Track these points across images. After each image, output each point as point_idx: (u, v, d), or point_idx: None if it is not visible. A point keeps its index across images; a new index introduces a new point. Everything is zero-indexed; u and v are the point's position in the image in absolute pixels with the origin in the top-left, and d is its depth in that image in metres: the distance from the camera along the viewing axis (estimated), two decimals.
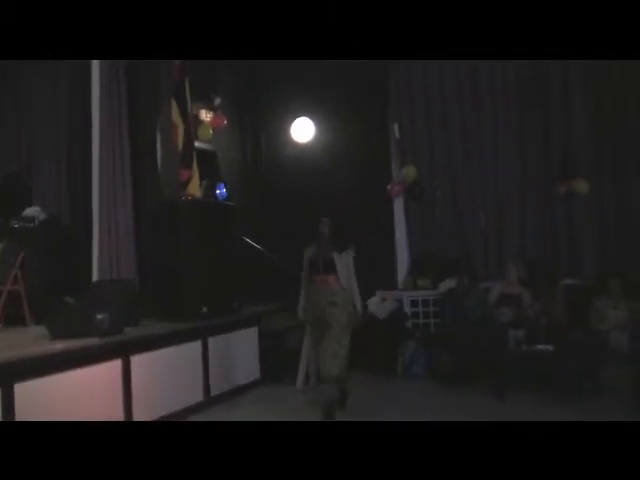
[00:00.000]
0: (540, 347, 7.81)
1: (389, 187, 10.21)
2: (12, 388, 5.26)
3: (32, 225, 8.75)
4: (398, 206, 10.37)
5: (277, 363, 8.91)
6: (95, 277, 8.63)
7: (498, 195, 9.86)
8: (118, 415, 6.45)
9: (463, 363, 8.39)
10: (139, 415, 6.64)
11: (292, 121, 10.95)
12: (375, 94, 10.28)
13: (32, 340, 6.73)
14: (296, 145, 10.95)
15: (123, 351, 6.63)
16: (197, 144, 9.30)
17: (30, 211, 8.90)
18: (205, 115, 10.30)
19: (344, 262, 7.00)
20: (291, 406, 7.82)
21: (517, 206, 9.77)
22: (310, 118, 10.85)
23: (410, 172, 10.03)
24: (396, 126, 10.38)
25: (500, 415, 6.83)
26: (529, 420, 6.38)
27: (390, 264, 10.37)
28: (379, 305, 9.60)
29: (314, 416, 7.09)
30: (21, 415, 5.27)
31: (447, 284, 9.40)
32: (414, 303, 9.63)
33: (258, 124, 11.55)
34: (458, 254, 9.83)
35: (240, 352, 8.55)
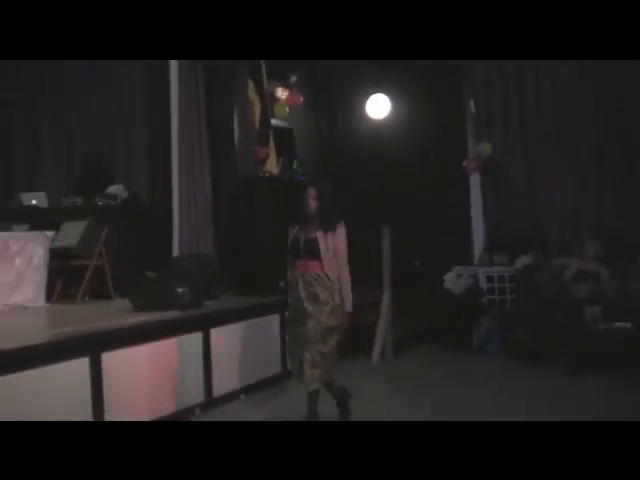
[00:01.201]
0: (618, 325, 7.67)
1: (465, 163, 10.17)
2: (99, 357, 5.49)
3: (115, 202, 9.01)
4: (474, 182, 10.32)
5: (353, 337, 8.97)
6: (175, 252, 8.84)
7: (574, 170, 9.70)
8: (199, 385, 6.66)
9: (538, 340, 8.32)
10: (219, 386, 6.83)
11: (367, 98, 10.96)
12: (451, 70, 10.21)
13: (117, 312, 7.00)
14: (371, 121, 10.96)
15: (203, 324, 6.83)
16: (274, 122, 9.44)
17: (113, 189, 9.16)
18: (281, 93, 10.40)
19: (330, 243, 5.62)
20: (366, 380, 7.91)
21: (594, 181, 9.60)
22: (385, 94, 10.85)
23: (486, 148, 9.96)
24: (472, 102, 10.32)
25: (571, 395, 6.79)
26: (602, 402, 6.40)
27: (466, 240, 10.34)
28: (455, 281, 9.60)
29: (392, 391, 7.21)
30: (108, 383, 5.50)
31: (523, 260, 9.33)
32: (490, 279, 9.59)
33: (333, 101, 11.59)
34: (533, 230, 9.74)
35: None
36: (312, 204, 5.63)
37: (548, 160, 9.84)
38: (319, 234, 5.60)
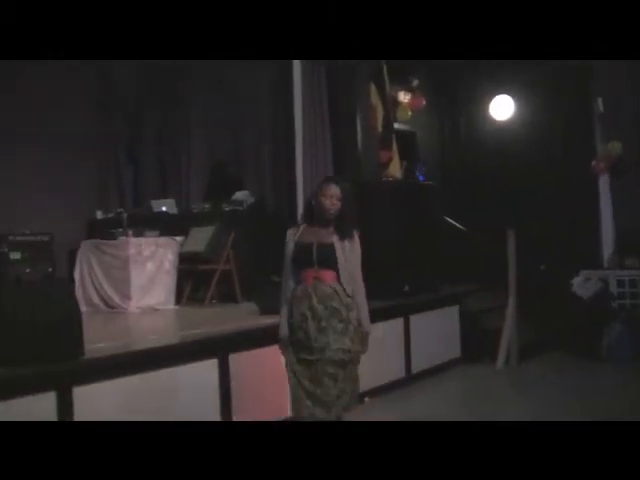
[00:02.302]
0: None
1: (593, 164, 9.89)
2: (227, 358, 5.65)
3: (241, 208, 9.22)
4: (603, 182, 10.01)
5: (477, 343, 8.89)
6: None
7: None
8: None
9: None
10: None
11: (490, 99, 10.81)
12: (576, 68, 9.96)
13: (243, 315, 7.17)
14: (495, 123, 10.81)
15: None
16: (396, 125, 9.44)
17: (239, 195, 9.38)
18: (403, 97, 10.41)
19: (347, 254, 4.67)
20: (490, 385, 7.82)
21: None
22: (509, 95, 10.67)
23: (615, 147, 9.64)
24: (599, 100, 10.01)
25: None
26: None
27: (595, 243, 10.05)
28: (583, 285, 9.34)
29: (516, 396, 7.08)
30: (236, 382, 5.65)
31: None
32: (621, 283, 9.27)
33: (456, 103, 11.51)
34: None
35: (441, 330, 8.61)
36: (335, 204, 4.63)
37: None
38: (335, 239, 4.65)
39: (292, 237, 4.71)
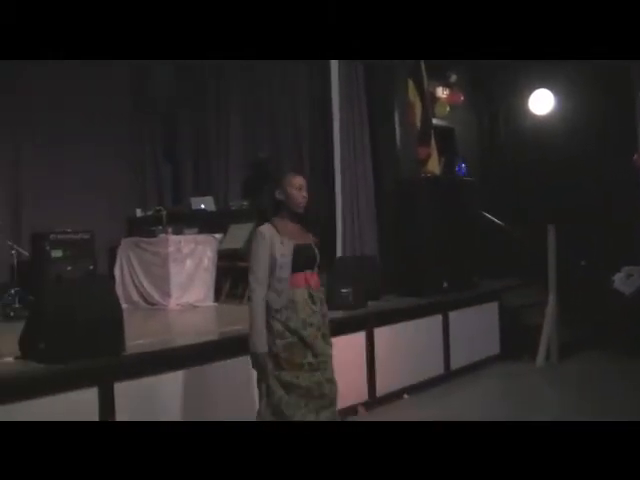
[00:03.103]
0: None
1: (635, 157, 9.75)
2: None
3: None
4: None
5: (516, 339, 8.82)
6: (339, 253, 8.94)
7: None
8: (362, 384, 6.72)
9: None
10: (380, 385, 6.87)
11: (529, 93, 10.71)
12: (617, 62, 9.82)
13: None
14: (535, 117, 10.71)
15: (367, 324, 6.90)
16: (434, 121, 9.40)
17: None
18: (442, 92, 10.36)
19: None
20: (530, 383, 7.75)
21: None
22: (548, 89, 10.56)
23: None
24: None
25: None
26: None
27: (637, 238, 9.90)
28: (625, 281, 9.22)
29: (555, 394, 7.01)
30: None
31: None
32: None
33: (495, 98, 11.42)
34: None
35: (480, 327, 8.56)
36: (305, 197, 4.20)
37: None
38: (312, 239, 4.29)
39: (275, 236, 4.08)
